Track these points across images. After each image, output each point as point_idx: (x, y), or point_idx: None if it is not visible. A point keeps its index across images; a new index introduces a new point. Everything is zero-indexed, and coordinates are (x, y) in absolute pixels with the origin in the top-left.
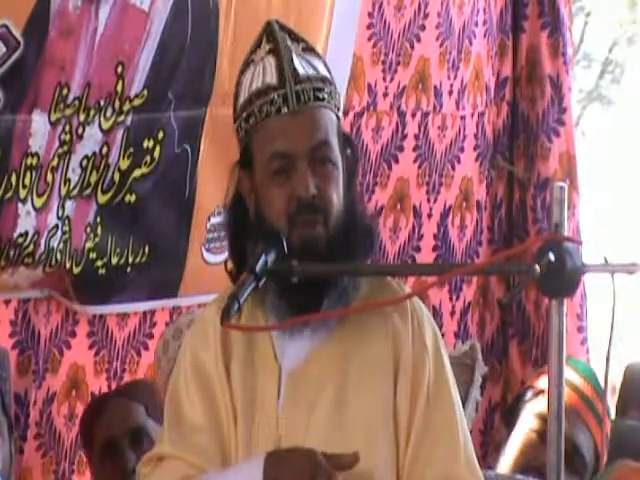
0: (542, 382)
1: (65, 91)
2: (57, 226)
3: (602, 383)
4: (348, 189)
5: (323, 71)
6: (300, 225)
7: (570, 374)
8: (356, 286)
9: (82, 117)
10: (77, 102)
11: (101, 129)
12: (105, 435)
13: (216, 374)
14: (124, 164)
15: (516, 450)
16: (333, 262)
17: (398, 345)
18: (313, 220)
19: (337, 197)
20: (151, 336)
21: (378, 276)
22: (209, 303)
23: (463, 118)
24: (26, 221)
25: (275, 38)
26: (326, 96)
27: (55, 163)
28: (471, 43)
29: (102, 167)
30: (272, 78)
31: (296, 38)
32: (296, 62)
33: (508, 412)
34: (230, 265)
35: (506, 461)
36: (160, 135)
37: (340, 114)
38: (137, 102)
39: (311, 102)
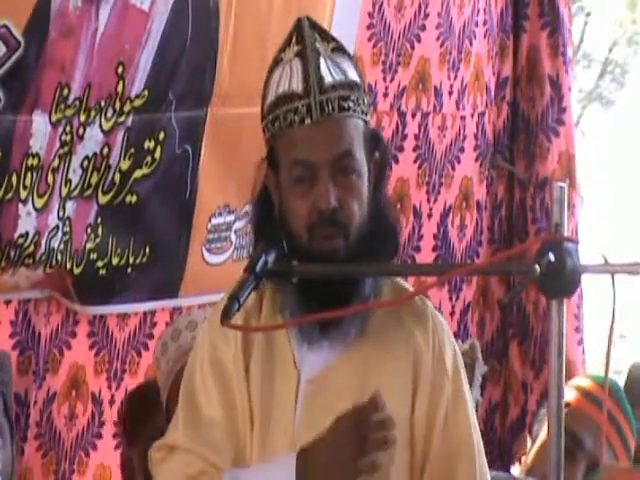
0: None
1: (66, 91)
2: (58, 227)
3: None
4: (375, 192)
5: (352, 74)
6: (320, 238)
7: (594, 388)
8: (377, 293)
9: (83, 118)
10: (78, 102)
11: (102, 130)
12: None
13: (234, 370)
14: (125, 165)
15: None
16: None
17: (418, 363)
18: (333, 234)
19: (359, 208)
20: (151, 336)
21: (378, 277)
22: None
23: (463, 118)
24: (27, 222)
25: (303, 39)
26: (352, 104)
27: (56, 164)
28: (471, 43)
29: (103, 168)
30: (297, 85)
31: (326, 37)
32: (323, 68)
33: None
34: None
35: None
36: (161, 136)
37: (368, 117)
38: (138, 102)
39: (335, 113)
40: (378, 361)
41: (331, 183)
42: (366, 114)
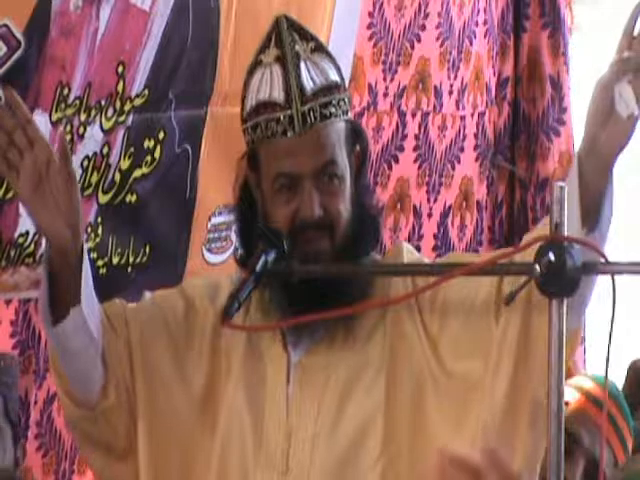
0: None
1: (66, 91)
2: None
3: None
4: (356, 182)
5: (333, 75)
6: (303, 242)
7: (594, 388)
8: (364, 284)
9: (83, 117)
10: (78, 102)
11: (102, 129)
12: None
13: (202, 322)
14: (125, 164)
15: None
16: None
17: (396, 315)
18: (318, 236)
19: (344, 209)
20: None
21: (379, 276)
22: (221, 277)
23: (463, 118)
24: (27, 221)
25: (282, 42)
26: (333, 109)
27: None
28: (471, 43)
29: (103, 167)
30: (279, 94)
31: (305, 36)
32: (303, 74)
33: None
34: (240, 252)
35: None
36: (161, 135)
37: (349, 115)
38: (138, 102)
39: (317, 122)
40: (360, 334)
41: (315, 191)
42: (347, 112)
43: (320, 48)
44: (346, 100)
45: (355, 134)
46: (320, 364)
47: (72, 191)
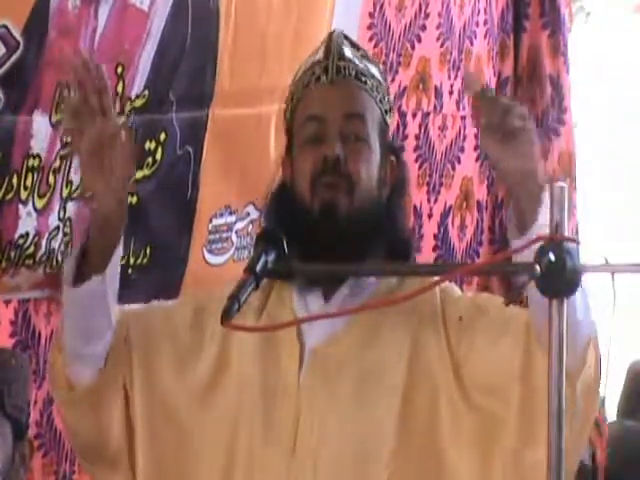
0: None
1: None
2: (58, 227)
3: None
4: (391, 199)
5: (376, 73)
6: (322, 188)
7: None
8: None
9: None
10: None
11: None
12: None
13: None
14: None
15: None
16: (354, 235)
17: (419, 324)
18: (336, 183)
19: (366, 171)
20: None
21: (378, 276)
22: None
23: (463, 118)
24: (27, 222)
25: (332, 38)
26: (369, 83)
27: (57, 165)
28: (472, 43)
29: None
30: (319, 55)
31: (356, 46)
32: (346, 51)
33: None
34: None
35: None
36: (162, 136)
37: (388, 118)
38: (138, 103)
39: (352, 78)
40: (378, 331)
41: (339, 139)
42: (387, 109)
43: (369, 58)
44: (387, 99)
45: (393, 145)
46: (334, 355)
47: (127, 171)
